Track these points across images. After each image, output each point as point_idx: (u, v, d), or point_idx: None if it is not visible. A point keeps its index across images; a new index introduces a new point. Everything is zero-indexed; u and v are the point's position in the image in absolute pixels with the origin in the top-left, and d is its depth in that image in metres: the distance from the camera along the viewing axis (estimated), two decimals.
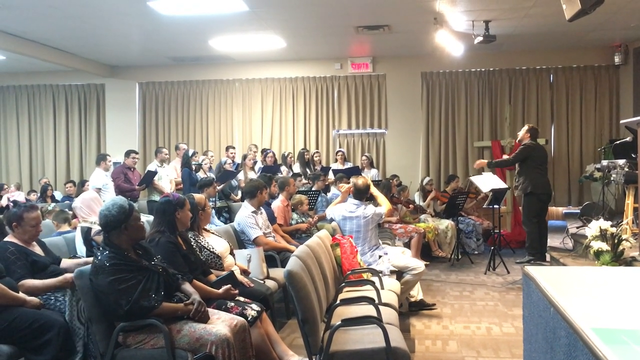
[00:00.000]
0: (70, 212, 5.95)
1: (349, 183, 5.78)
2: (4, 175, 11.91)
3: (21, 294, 3.47)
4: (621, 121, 9.72)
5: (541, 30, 8.75)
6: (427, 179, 9.72)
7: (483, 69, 10.65)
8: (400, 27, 8.56)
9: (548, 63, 10.45)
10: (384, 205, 5.54)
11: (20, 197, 9.56)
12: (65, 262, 4.17)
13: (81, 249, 4.85)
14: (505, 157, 7.82)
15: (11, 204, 7.48)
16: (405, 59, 10.74)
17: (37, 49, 9.31)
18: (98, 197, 5.69)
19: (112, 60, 11.10)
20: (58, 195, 10.41)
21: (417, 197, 9.28)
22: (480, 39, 8.18)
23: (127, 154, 8.61)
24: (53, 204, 8.25)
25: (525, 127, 7.56)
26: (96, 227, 4.75)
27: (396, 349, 3.07)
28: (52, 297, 3.68)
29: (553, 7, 6.93)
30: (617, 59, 9.97)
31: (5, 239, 3.87)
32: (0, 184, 10.50)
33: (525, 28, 8.60)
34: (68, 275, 3.70)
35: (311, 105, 11.14)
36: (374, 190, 5.65)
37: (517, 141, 7.86)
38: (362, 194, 5.47)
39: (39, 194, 9.93)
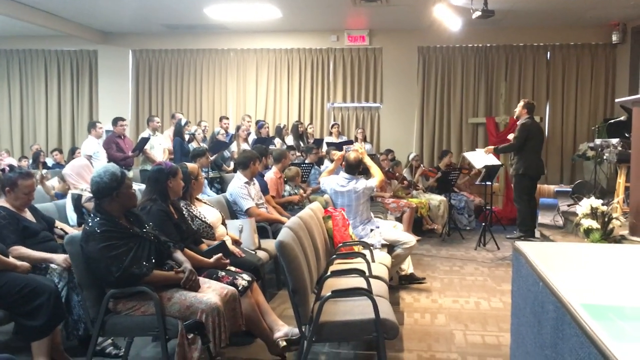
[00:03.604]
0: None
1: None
2: None
3: (12, 259, 3.45)
4: (616, 100, 9.72)
5: (540, 6, 8.67)
6: (412, 154, 9.71)
7: (480, 45, 10.57)
8: None
9: (545, 40, 10.38)
10: (377, 176, 5.49)
11: (13, 162, 9.48)
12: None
13: (72, 216, 4.84)
14: (510, 136, 7.69)
15: (7, 167, 7.41)
16: (402, 32, 10.63)
17: (29, 13, 9.13)
18: (89, 164, 5.66)
19: (106, 26, 10.92)
20: (49, 161, 10.35)
21: (406, 173, 9.29)
22: (478, 13, 8.07)
23: (115, 121, 8.53)
24: (44, 170, 8.20)
25: (521, 103, 7.47)
26: (87, 194, 4.74)
27: (385, 320, 3.09)
28: (43, 264, 3.67)
29: None
30: (614, 38, 9.91)
31: None
32: None
33: (524, 4, 8.51)
34: (64, 259, 3.62)
35: (306, 78, 11.05)
36: (367, 160, 5.61)
37: (514, 117, 7.79)
38: (354, 169, 5.45)
39: (30, 161, 9.85)
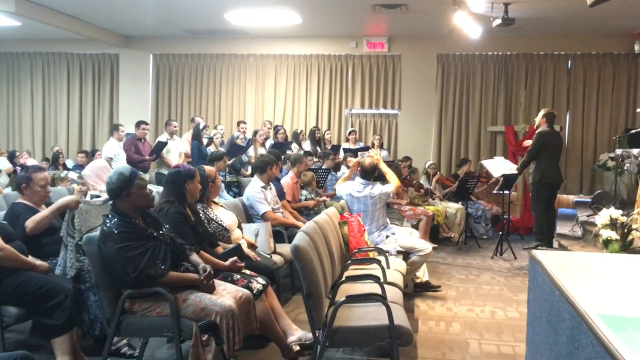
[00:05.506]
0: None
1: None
2: (17, 141, 11.97)
3: (31, 258, 3.52)
4: (638, 110, 9.62)
5: (561, 15, 8.60)
6: (429, 162, 9.68)
7: (500, 53, 10.50)
8: (417, 6, 8.45)
9: (566, 49, 10.28)
10: (393, 182, 5.48)
11: (33, 163, 9.62)
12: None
13: None
14: (527, 142, 7.68)
15: (19, 167, 7.54)
16: (421, 39, 10.61)
17: (52, 16, 9.28)
18: (108, 165, 5.71)
19: (127, 30, 11.06)
20: (70, 163, 10.48)
21: (422, 181, 9.25)
22: (498, 21, 8.04)
23: (137, 124, 8.65)
24: (65, 172, 8.31)
25: (542, 112, 7.43)
26: (105, 196, 4.80)
27: (399, 327, 3.08)
28: (61, 262, 3.72)
29: None
30: (637, 47, 9.78)
31: (16, 201, 3.93)
32: (13, 151, 10.58)
33: (545, 12, 8.45)
34: (74, 197, 3.77)
35: (325, 83, 11.07)
36: (383, 166, 5.60)
37: (534, 127, 7.74)
38: (369, 174, 5.44)
39: (50, 162, 10.00)
